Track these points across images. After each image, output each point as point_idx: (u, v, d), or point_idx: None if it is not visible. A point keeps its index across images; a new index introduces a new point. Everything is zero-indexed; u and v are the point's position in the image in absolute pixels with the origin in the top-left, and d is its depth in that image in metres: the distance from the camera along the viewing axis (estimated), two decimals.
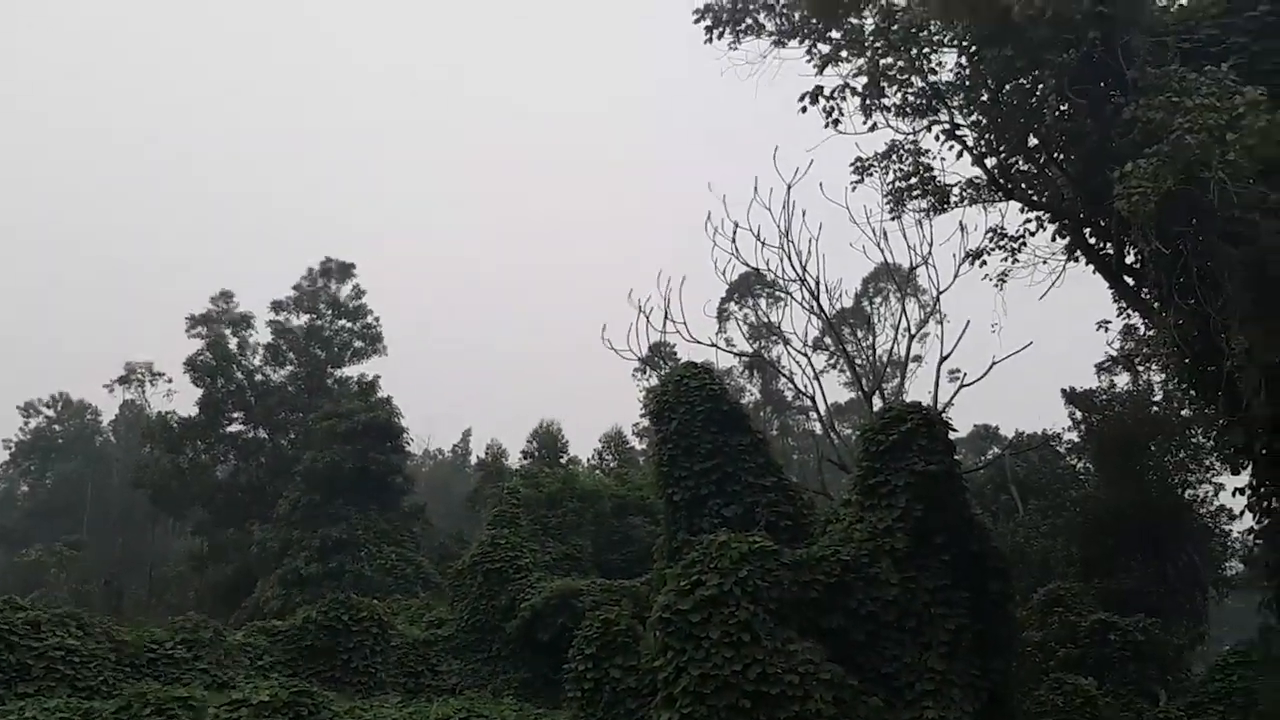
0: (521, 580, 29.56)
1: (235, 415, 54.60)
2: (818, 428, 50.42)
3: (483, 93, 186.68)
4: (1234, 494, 21.46)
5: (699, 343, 28.78)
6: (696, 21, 21.47)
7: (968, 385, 29.89)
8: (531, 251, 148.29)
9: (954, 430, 23.57)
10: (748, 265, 29.80)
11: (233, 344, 55.45)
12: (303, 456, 46.09)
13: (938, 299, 29.41)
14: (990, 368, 28.12)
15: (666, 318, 28.29)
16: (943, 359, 28.93)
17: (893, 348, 34.05)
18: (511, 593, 29.12)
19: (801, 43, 21.17)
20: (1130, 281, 21.16)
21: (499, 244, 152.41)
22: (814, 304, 30.26)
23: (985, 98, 20.92)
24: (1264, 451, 17.87)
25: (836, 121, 21.32)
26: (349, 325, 56.79)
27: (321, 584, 38.34)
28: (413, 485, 49.35)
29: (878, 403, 31.24)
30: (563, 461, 49.84)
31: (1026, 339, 27.26)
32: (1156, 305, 20.13)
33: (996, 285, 24.22)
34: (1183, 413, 31.65)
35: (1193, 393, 22.05)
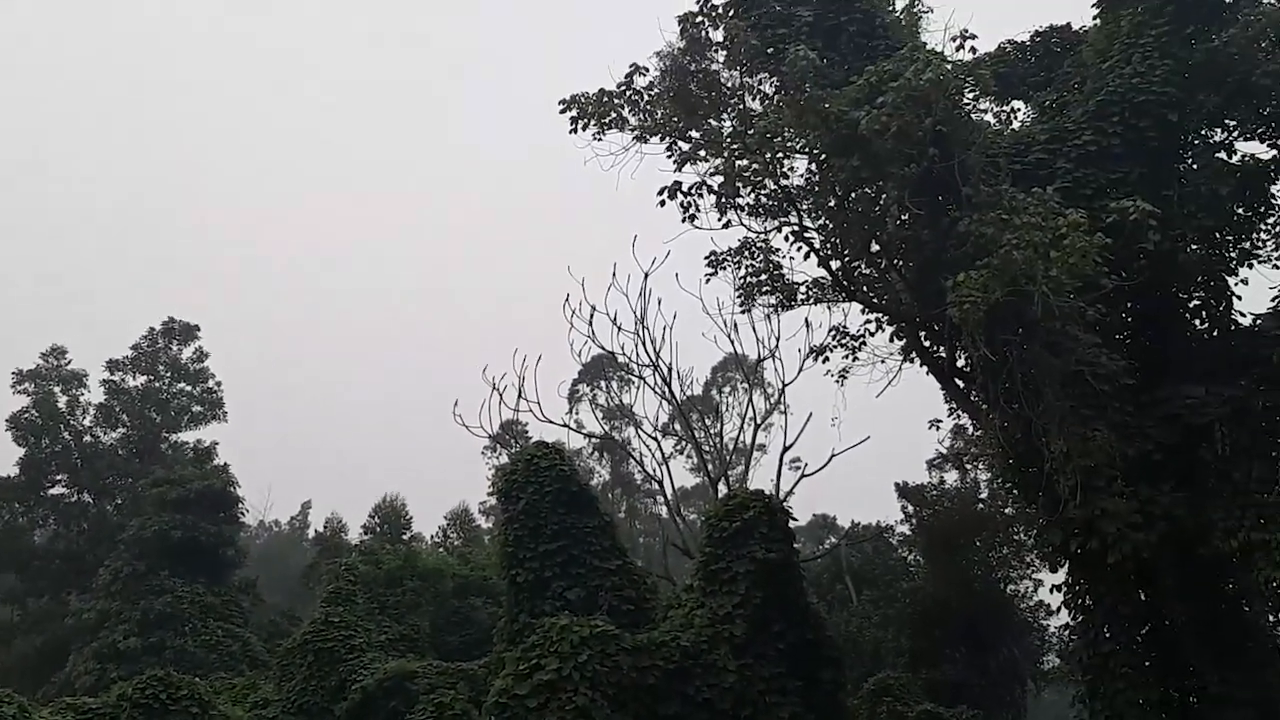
0: (354, 660, 28.53)
1: (59, 478, 51.38)
2: (664, 512, 50.83)
3: (369, 156, 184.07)
4: (1051, 591, 22.65)
5: (551, 422, 28.94)
6: (563, 111, 22.01)
7: (808, 475, 30.84)
8: (391, 321, 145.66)
9: (794, 519, 24.21)
10: (603, 349, 30.22)
11: (62, 402, 52.46)
12: (129, 524, 43.66)
13: (782, 391, 30.33)
14: (830, 459, 29.06)
15: (520, 396, 28.32)
16: (785, 449, 29.79)
17: (739, 436, 34.87)
18: (343, 673, 28.06)
19: (662, 140, 21.93)
20: (960, 384, 22.35)
21: (362, 308, 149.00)
22: (665, 390, 30.82)
23: (832, 203, 22.02)
24: (1079, 551, 18.93)
25: (693, 216, 22.06)
26: (188, 388, 54.57)
27: (140, 660, 36.07)
28: (245, 558, 47.31)
29: (723, 489, 31.85)
30: (405, 538, 48.71)
31: (865, 433, 28.37)
32: (984, 407, 21.30)
33: (838, 381, 25.24)
34: (1006, 511, 33.23)
35: (1015, 492, 23.30)
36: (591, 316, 28.99)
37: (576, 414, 57.12)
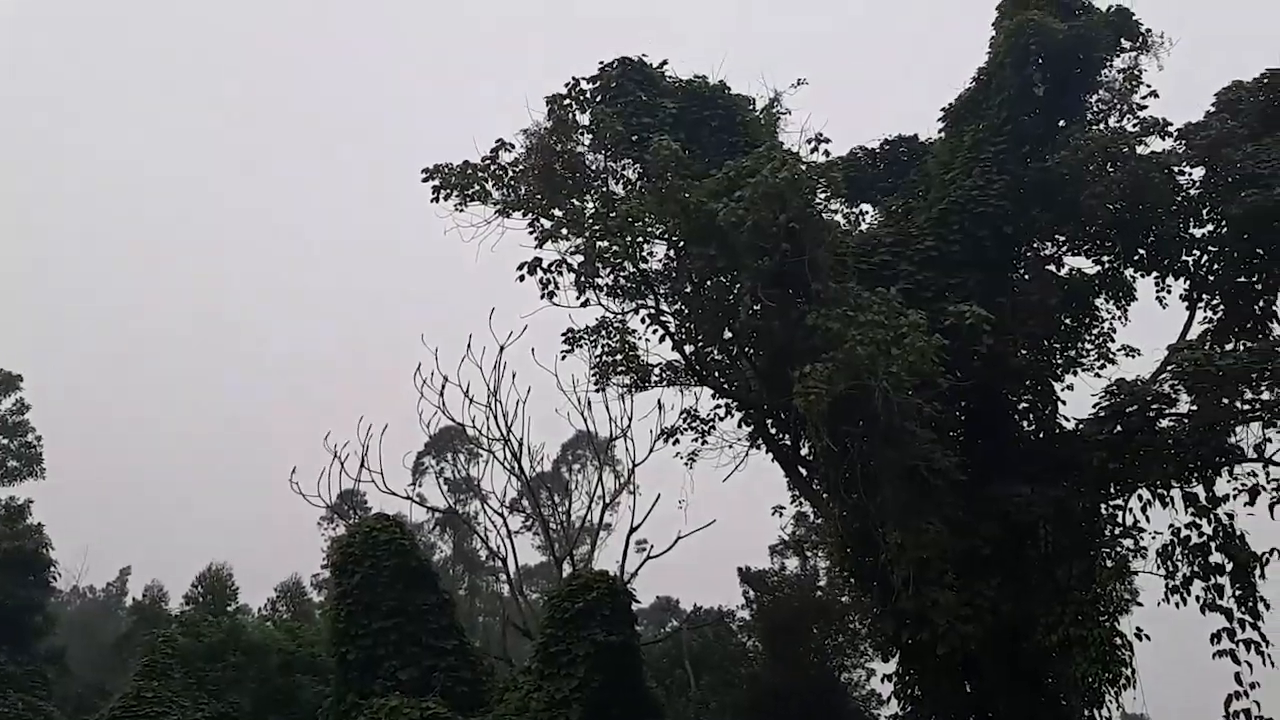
0: None
1: None
2: (506, 590, 49.90)
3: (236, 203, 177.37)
4: (882, 680, 23.09)
5: (394, 494, 28.24)
6: (425, 180, 21.91)
7: (654, 557, 30.88)
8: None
9: (637, 601, 24.14)
10: (453, 420, 29.78)
11: None
12: None
13: (632, 471, 30.45)
14: (675, 542, 29.23)
15: (363, 465, 27.58)
16: (632, 529, 29.82)
17: (587, 515, 34.69)
18: None
19: (525, 215, 22.03)
20: (804, 472, 22.89)
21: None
22: (515, 465, 30.53)
23: (689, 289, 22.47)
24: (909, 641, 19.43)
25: (552, 293, 22.14)
26: (4, 441, 51.11)
27: None
28: (54, 625, 44.10)
29: (567, 569, 31.53)
30: (230, 610, 46.29)
31: (713, 516, 28.65)
32: (825, 496, 21.84)
33: (687, 464, 25.45)
34: (843, 599, 33.83)
35: (852, 581, 23.82)
36: (443, 387, 28.63)
37: (420, 486, 55.83)
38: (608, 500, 33.26)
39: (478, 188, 21.86)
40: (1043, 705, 20.43)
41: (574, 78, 22.63)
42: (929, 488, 18.77)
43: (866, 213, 26.55)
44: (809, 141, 22.01)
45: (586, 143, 22.52)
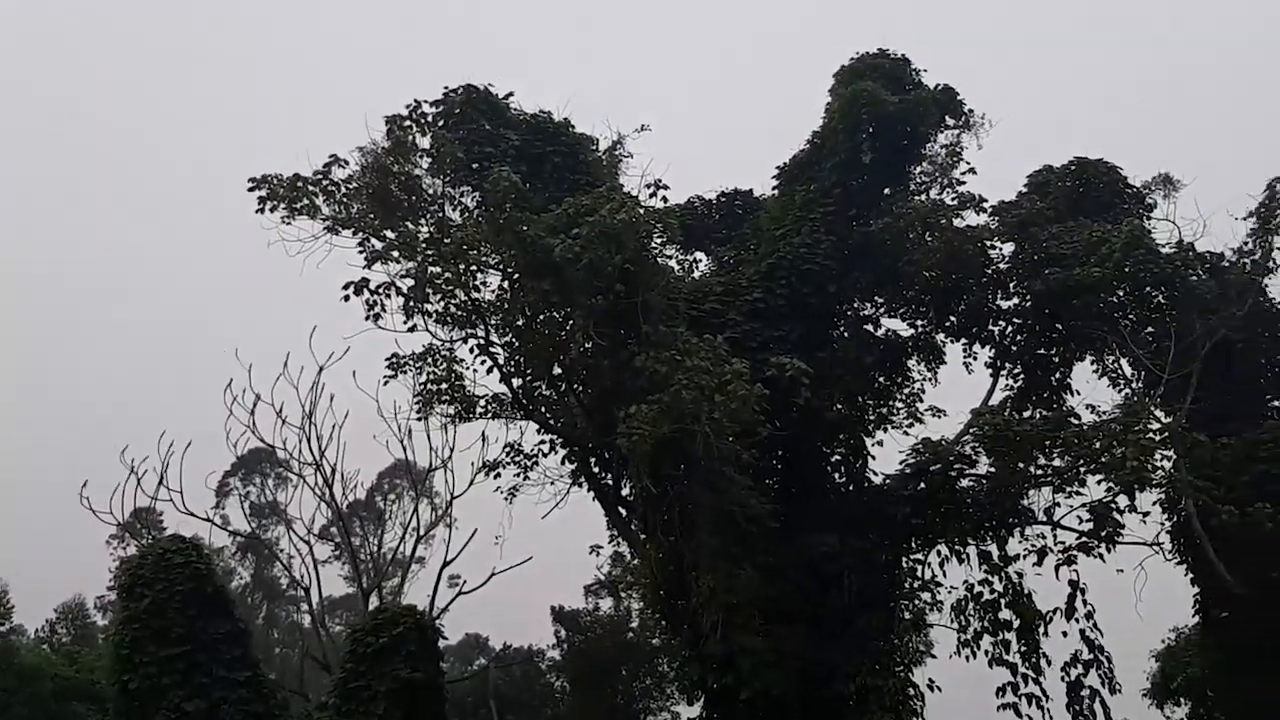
0: None
1: None
2: (308, 621, 47.93)
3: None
4: None
5: (193, 515, 26.63)
6: (251, 189, 21.04)
7: (466, 593, 30.22)
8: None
9: (445, 638, 23.54)
10: (264, 441, 28.50)
11: None
12: None
13: (450, 504, 29.78)
14: (490, 578, 28.70)
15: (161, 483, 26.00)
16: (445, 564, 29.13)
17: (399, 546, 33.69)
18: None
19: (355, 234, 21.40)
20: (623, 512, 22.91)
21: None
22: (327, 491, 29.43)
23: (520, 322, 22.29)
24: (715, 686, 19.58)
25: (378, 316, 21.55)
26: None
27: None
28: None
29: (374, 601, 30.54)
30: (3, 630, 42.76)
31: (530, 553, 28.28)
32: (643, 537, 21.89)
33: (507, 499, 25.09)
34: (654, 641, 34.01)
35: (664, 623, 23.90)
36: (255, 406, 27.38)
37: (224, 509, 53.14)
38: (422, 532, 32.40)
39: (307, 201, 21.12)
40: None
41: (416, 100, 22.27)
42: (743, 533, 19.11)
43: (700, 261, 27.12)
44: (648, 187, 22.28)
45: (425, 166, 22.15)
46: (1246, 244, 24.95)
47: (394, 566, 36.86)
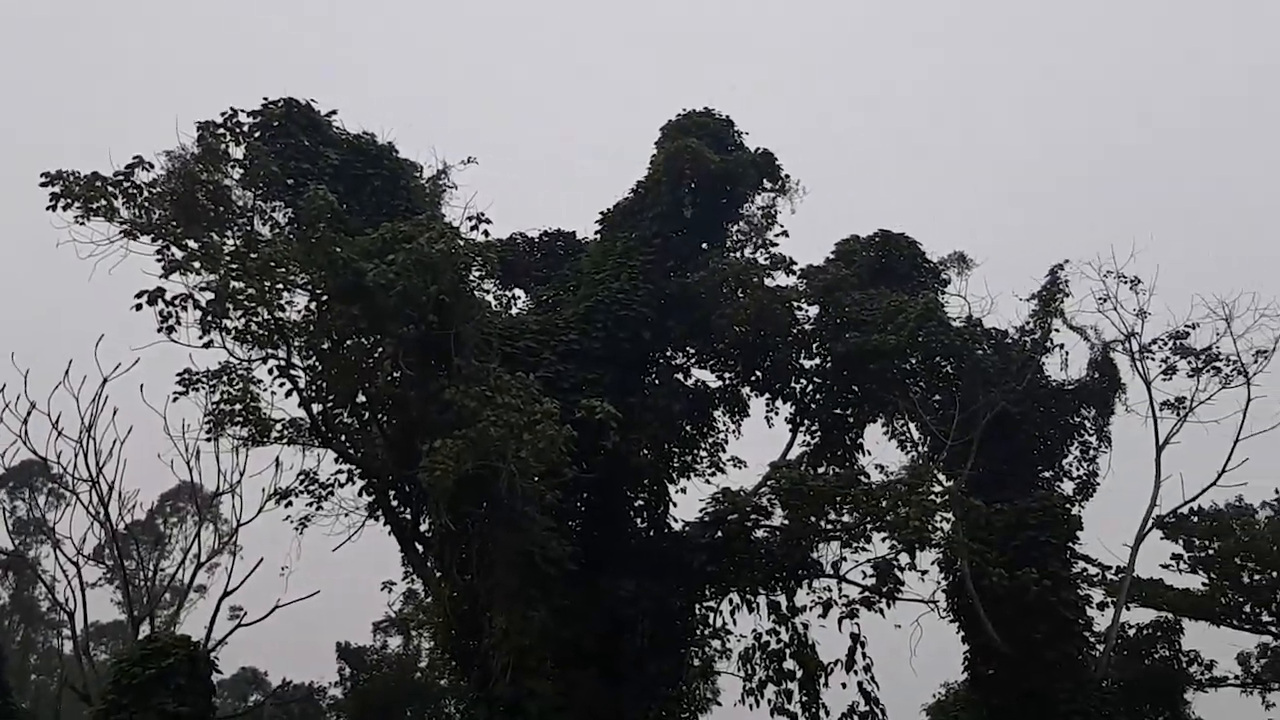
0: None
1: None
2: (69, 647, 44.46)
3: None
4: None
5: None
6: (44, 185, 19.63)
7: (246, 625, 28.67)
8: None
9: (219, 671, 22.32)
10: (36, 454, 26.34)
11: None
12: None
13: (236, 530, 28.28)
14: (272, 610, 27.21)
15: None
16: (226, 593, 27.48)
17: (178, 573, 31.69)
18: None
19: (155, 241, 20.22)
20: (420, 549, 22.35)
21: None
22: (102, 510, 27.41)
23: (326, 346, 21.54)
24: None
25: (171, 329, 20.41)
26: None
27: None
28: None
29: (146, 630, 28.60)
30: None
31: (319, 586, 27.08)
32: (438, 575, 21.39)
33: (298, 528, 24.04)
34: (441, 682, 33.22)
35: (454, 664, 23.34)
36: (28, 416, 25.32)
37: None
38: (204, 559, 30.58)
39: (104, 202, 19.84)
40: None
41: (232, 108, 21.34)
42: (541, 575, 18.94)
43: (518, 298, 27.00)
44: (470, 219, 22.04)
45: (236, 177, 21.22)
46: (1028, 324, 26.87)
47: (170, 594, 34.70)
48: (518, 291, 27.04)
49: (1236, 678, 31.46)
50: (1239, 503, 31.36)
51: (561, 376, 21.82)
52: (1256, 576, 31.21)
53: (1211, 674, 30.90)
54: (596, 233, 26.18)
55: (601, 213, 26.08)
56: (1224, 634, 31.63)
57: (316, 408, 22.10)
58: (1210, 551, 31.30)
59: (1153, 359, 27.04)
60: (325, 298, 20.75)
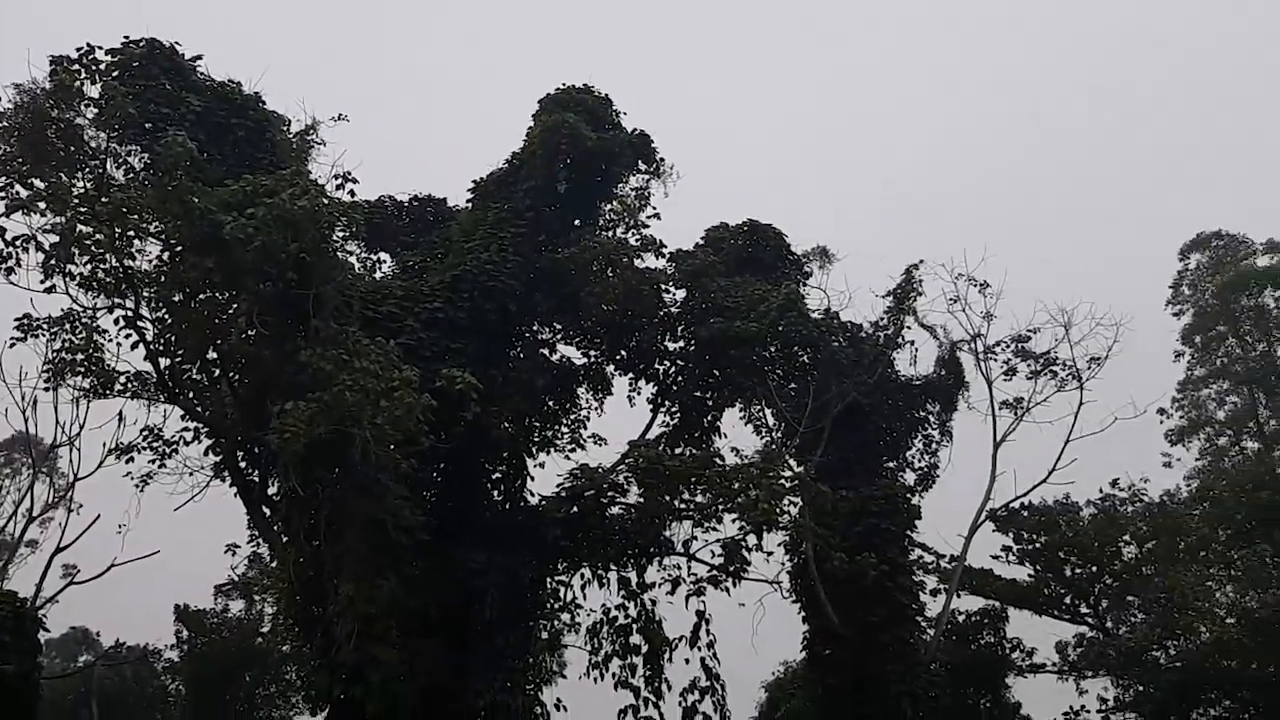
0: None
1: None
2: None
3: None
4: None
5: None
6: None
7: (79, 583, 27.63)
8: None
9: (46, 630, 21.54)
10: None
11: None
12: None
13: (73, 485, 27.18)
14: (108, 569, 26.36)
15: None
16: (59, 549, 26.44)
17: (8, 526, 30.32)
18: None
19: None
20: (267, 512, 21.81)
21: None
22: None
23: (178, 299, 20.81)
24: (343, 697, 18.99)
25: (10, 270, 19.42)
26: None
27: None
28: None
29: None
30: None
31: (159, 546, 26.26)
32: (285, 540, 20.95)
33: (139, 486, 23.23)
34: (283, 648, 32.59)
35: (296, 629, 22.97)
36: None
37: None
38: (37, 514, 29.34)
39: None
40: None
41: (89, 44, 20.31)
42: (392, 543, 18.75)
43: (384, 262, 26.57)
44: (337, 178, 21.56)
45: (90, 117, 20.24)
46: (882, 319, 27.86)
47: (0, 549, 33.09)
48: (384, 256, 26.62)
49: (1054, 665, 33.46)
50: (1066, 500, 33.36)
51: (424, 344, 21.55)
52: (1078, 570, 33.27)
53: (1032, 661, 32.85)
54: (468, 201, 25.94)
55: (474, 181, 25.87)
56: (1045, 623, 33.70)
57: (164, 362, 21.34)
58: (1037, 545, 33.21)
59: (996, 360, 28.51)
60: (179, 248, 20.05)
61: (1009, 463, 28.00)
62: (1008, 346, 28.64)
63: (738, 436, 26.66)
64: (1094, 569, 33.19)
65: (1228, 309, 38.98)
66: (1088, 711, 32.49)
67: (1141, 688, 30.29)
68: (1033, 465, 28.30)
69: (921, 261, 27.78)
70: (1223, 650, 28.06)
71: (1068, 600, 33.76)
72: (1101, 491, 33.63)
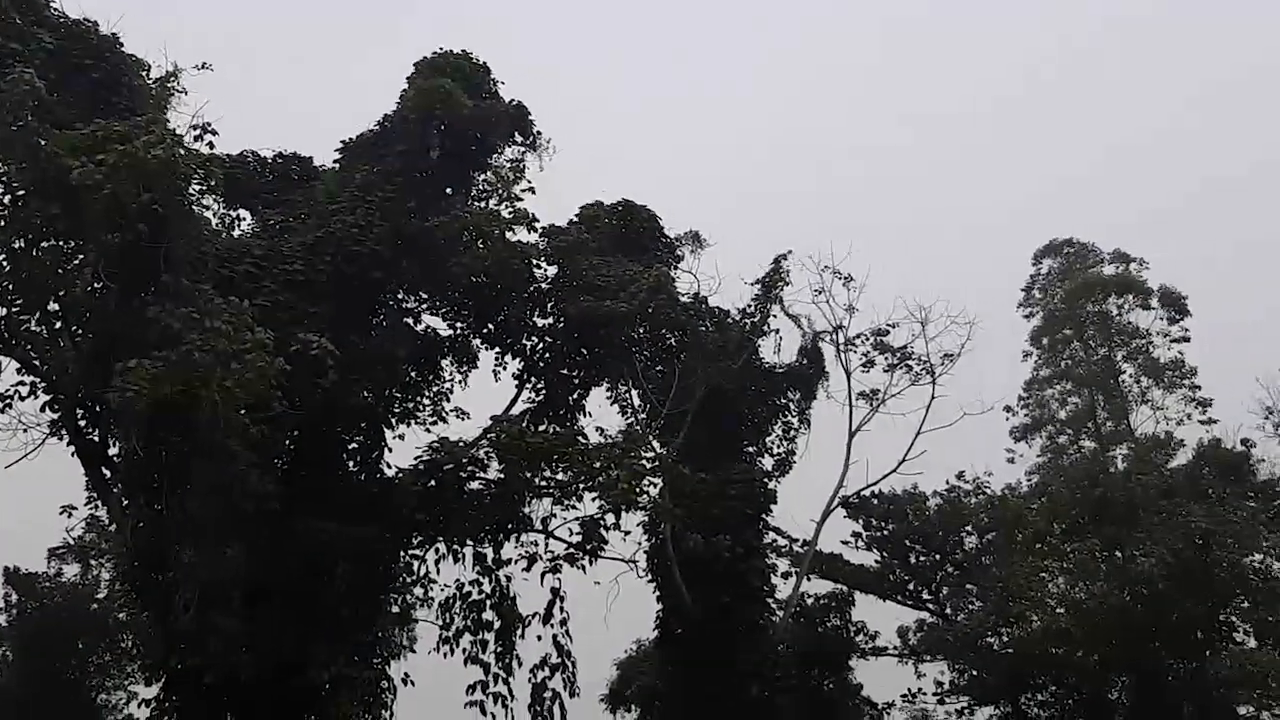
0: None
1: None
2: None
3: None
4: (140, 705, 21.54)
5: None
6: None
7: None
8: None
9: None
10: None
11: None
12: None
13: None
14: None
15: None
16: None
17: None
18: None
19: None
20: (107, 473, 20.85)
21: None
22: None
23: (18, 246, 19.63)
24: (180, 666, 18.38)
25: None
26: None
27: None
28: None
29: None
30: None
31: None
32: (125, 503, 20.08)
33: None
34: (120, 615, 31.37)
35: (134, 596, 22.05)
36: None
37: None
38: None
39: None
40: None
41: None
42: (238, 510, 18.14)
43: (243, 220, 25.49)
44: (195, 128, 20.62)
45: None
46: (750, 307, 28.31)
47: None
48: (243, 213, 25.46)
49: (895, 649, 34.78)
50: (915, 490, 34.66)
51: (280, 307, 20.75)
52: (922, 558, 34.62)
53: (875, 644, 34.02)
54: (335, 162, 25.17)
55: (342, 141, 25.15)
56: (889, 608, 34.98)
57: (1, 311, 20.13)
58: (885, 532, 34.44)
59: (855, 352, 29.33)
60: (22, 192, 18.91)
61: (863, 452, 28.97)
62: (867, 339, 29.48)
63: (603, 416, 26.73)
64: (937, 557, 34.59)
65: (1074, 314, 41.00)
66: (924, 694, 33.94)
67: (975, 672, 31.74)
68: (885, 455, 29.34)
69: (790, 252, 28.34)
70: (1051, 638, 29.53)
71: (911, 586, 35.11)
72: (948, 483, 35.07)
